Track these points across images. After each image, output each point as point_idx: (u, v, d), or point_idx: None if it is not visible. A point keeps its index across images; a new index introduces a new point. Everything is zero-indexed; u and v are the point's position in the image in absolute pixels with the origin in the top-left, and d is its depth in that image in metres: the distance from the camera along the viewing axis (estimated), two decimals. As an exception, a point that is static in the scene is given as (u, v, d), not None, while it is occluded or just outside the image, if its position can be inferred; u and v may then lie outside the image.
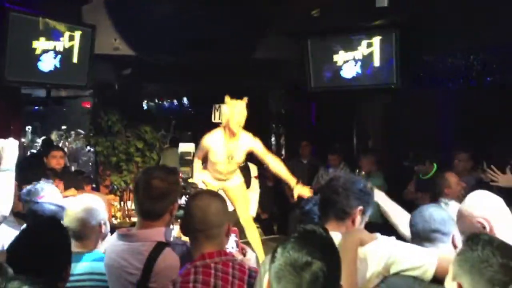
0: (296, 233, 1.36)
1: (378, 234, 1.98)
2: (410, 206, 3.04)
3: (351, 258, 1.79)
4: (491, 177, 3.98)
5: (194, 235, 1.99)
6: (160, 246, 2.07)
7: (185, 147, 4.90)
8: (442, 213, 2.26)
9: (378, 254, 1.86)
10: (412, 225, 2.26)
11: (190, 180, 4.36)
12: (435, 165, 5.35)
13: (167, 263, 2.03)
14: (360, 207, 2.01)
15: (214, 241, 1.97)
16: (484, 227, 2.16)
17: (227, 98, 4.57)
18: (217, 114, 5.47)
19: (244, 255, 2.25)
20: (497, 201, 2.24)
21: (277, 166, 4.68)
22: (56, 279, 1.81)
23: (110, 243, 2.25)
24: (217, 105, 5.42)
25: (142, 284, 2.02)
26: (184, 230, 2.06)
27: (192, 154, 4.75)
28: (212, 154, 4.62)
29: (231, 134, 4.56)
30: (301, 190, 4.40)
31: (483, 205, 2.18)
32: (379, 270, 1.84)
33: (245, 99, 4.56)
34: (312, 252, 1.28)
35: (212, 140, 4.62)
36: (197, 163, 4.72)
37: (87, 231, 2.37)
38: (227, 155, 4.60)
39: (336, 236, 1.90)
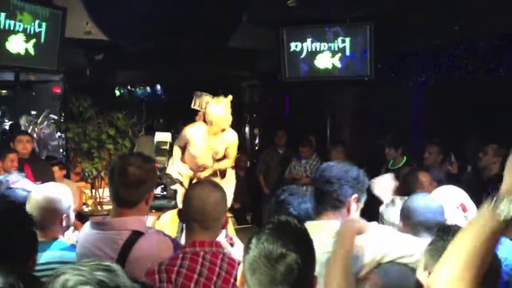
0: (270, 224, 1.35)
1: (374, 223, 2.01)
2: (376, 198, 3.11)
3: (348, 246, 1.81)
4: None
5: (190, 224, 1.98)
6: (135, 235, 2.03)
7: (161, 136, 4.80)
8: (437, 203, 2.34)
9: (374, 242, 1.88)
10: (414, 215, 2.27)
11: (167, 171, 4.31)
12: (404, 157, 5.43)
13: (142, 252, 1.99)
14: (355, 195, 2.01)
15: (209, 232, 1.96)
16: None
17: (213, 98, 4.49)
18: (197, 101, 5.39)
19: (232, 245, 2.24)
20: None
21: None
22: (22, 267, 1.76)
23: (83, 232, 2.19)
24: (198, 92, 5.35)
25: None
26: (181, 217, 2.05)
27: (168, 144, 4.69)
28: (192, 146, 4.55)
29: (215, 129, 4.48)
30: None
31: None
32: (374, 258, 1.86)
33: (230, 97, 4.48)
34: (286, 244, 1.28)
35: (193, 133, 4.54)
36: (177, 152, 4.63)
37: (49, 221, 2.30)
38: (208, 150, 4.55)
39: (335, 224, 1.92)
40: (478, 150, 4.61)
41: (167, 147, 4.67)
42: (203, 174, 4.64)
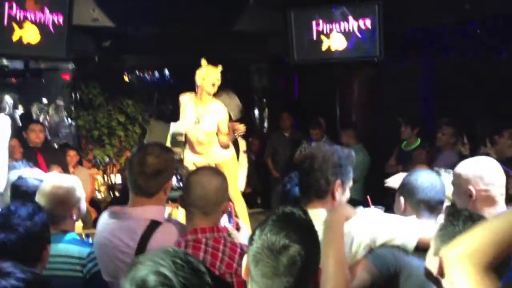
0: (274, 216, 1.34)
1: (360, 207, 2.00)
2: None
3: (338, 234, 1.81)
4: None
5: (191, 209, 1.99)
6: (153, 225, 2.05)
7: (177, 127, 4.81)
8: (442, 182, 2.25)
9: (363, 227, 1.88)
10: (418, 192, 2.17)
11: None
12: (419, 139, 5.35)
13: (161, 241, 1.99)
14: (338, 181, 2.01)
15: (210, 218, 1.97)
16: (470, 196, 2.21)
17: (203, 61, 4.64)
18: (223, 96, 5.40)
19: (238, 230, 2.24)
20: (488, 167, 2.25)
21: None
22: (35, 260, 1.79)
23: (101, 222, 2.21)
24: (229, 91, 5.39)
25: None
26: (182, 203, 2.06)
27: (183, 135, 4.71)
28: (185, 118, 4.63)
29: (203, 97, 4.60)
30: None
31: (472, 173, 2.22)
32: (366, 242, 1.86)
33: (220, 67, 4.65)
34: (289, 236, 1.27)
35: (184, 99, 4.71)
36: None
37: (59, 213, 2.30)
38: (195, 119, 4.60)
39: (321, 213, 1.92)
40: (491, 132, 4.56)
41: (183, 138, 4.69)
42: (214, 162, 4.67)
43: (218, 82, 4.62)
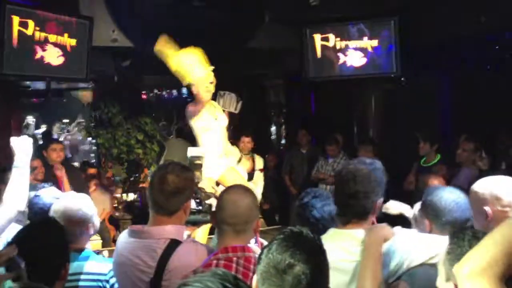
0: (282, 235, 1.35)
1: (398, 227, 1.98)
2: (409, 196, 3.06)
3: (376, 255, 1.80)
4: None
5: (223, 228, 2.00)
6: (173, 244, 2.05)
7: (195, 151, 4.81)
8: (465, 198, 2.21)
9: (401, 248, 1.86)
10: (444, 214, 2.13)
11: (200, 185, 4.33)
12: (438, 155, 5.25)
13: (181, 261, 2.00)
14: (380, 200, 1.99)
15: (241, 236, 1.98)
16: (487, 216, 2.14)
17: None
18: (221, 101, 5.44)
19: None
20: (507, 188, 2.17)
21: None
22: (54, 277, 1.82)
23: (120, 241, 2.22)
24: (221, 92, 5.39)
25: (155, 281, 1.99)
26: (214, 220, 2.07)
27: (202, 159, 4.70)
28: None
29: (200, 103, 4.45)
30: None
31: (489, 193, 2.15)
32: (403, 264, 1.84)
33: (211, 67, 4.53)
34: (295, 255, 1.27)
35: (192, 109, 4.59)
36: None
37: (72, 233, 2.29)
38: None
39: (359, 233, 1.90)
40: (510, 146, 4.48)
41: (201, 161, 4.67)
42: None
43: (210, 81, 4.51)
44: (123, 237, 2.21)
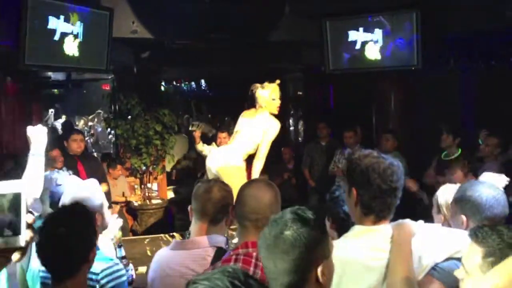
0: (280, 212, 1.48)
1: (421, 222, 1.92)
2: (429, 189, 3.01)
3: (406, 250, 1.76)
4: None
5: (244, 223, 1.98)
6: (221, 252, 2.11)
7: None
8: (504, 194, 2.14)
9: (429, 243, 1.82)
10: (484, 211, 2.07)
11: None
12: (459, 149, 5.17)
13: None
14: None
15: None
16: None
17: (266, 84, 4.54)
18: (194, 127, 5.45)
19: None
20: None
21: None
22: (83, 260, 1.87)
23: (161, 255, 2.27)
24: (195, 123, 5.42)
25: None
26: (235, 216, 2.07)
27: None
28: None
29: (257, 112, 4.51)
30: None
31: None
32: (431, 259, 1.80)
33: (278, 81, 4.55)
34: (288, 223, 1.40)
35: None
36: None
37: None
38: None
39: (388, 228, 1.85)
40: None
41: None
42: None
43: (278, 100, 4.56)
44: (164, 251, 2.29)
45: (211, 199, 2.18)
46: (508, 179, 2.64)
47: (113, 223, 2.76)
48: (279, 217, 1.44)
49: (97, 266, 2.17)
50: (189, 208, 2.29)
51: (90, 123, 13.15)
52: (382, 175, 1.80)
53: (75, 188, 2.52)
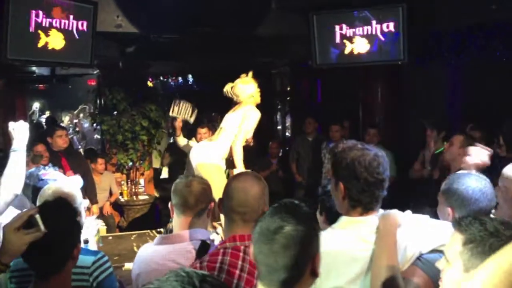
0: (275, 204, 1.47)
1: (408, 212, 1.93)
2: (415, 183, 3.02)
3: (391, 241, 1.77)
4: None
5: (231, 216, 1.96)
6: (205, 244, 2.15)
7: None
8: (490, 185, 2.16)
9: (414, 233, 1.83)
10: (470, 204, 2.08)
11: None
12: (445, 143, 5.20)
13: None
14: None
15: (249, 224, 1.91)
16: None
17: (246, 76, 4.60)
18: (176, 109, 5.42)
19: None
20: None
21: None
22: (67, 257, 1.85)
23: (145, 251, 2.26)
24: (177, 101, 5.42)
25: None
26: (222, 209, 2.05)
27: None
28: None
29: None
30: None
31: None
32: (417, 249, 1.81)
33: (250, 73, 4.62)
34: (285, 219, 1.40)
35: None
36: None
37: None
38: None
39: (374, 219, 1.85)
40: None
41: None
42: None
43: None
44: (149, 246, 2.28)
45: (192, 192, 2.20)
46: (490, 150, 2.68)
47: (92, 224, 2.74)
48: (274, 212, 1.44)
49: (88, 259, 2.21)
50: (169, 204, 2.29)
51: (75, 120, 13.02)
52: (368, 168, 1.81)
53: (59, 185, 2.48)
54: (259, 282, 1.44)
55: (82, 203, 2.47)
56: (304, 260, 1.40)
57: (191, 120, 5.41)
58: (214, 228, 3.67)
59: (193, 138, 5.72)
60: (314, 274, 1.43)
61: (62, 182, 2.53)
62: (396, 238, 1.78)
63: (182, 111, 5.23)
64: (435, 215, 2.18)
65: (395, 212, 1.89)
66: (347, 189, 1.84)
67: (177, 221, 2.23)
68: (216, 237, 2.49)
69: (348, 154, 1.84)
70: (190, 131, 6.43)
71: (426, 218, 1.93)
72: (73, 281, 2.03)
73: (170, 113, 5.43)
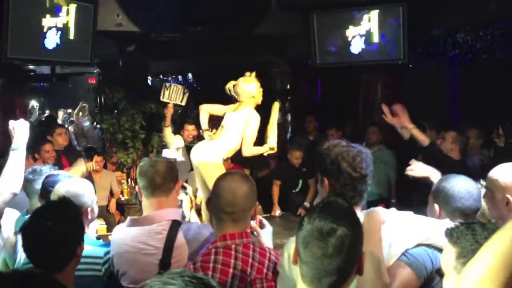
0: (320, 204, 1.46)
1: (393, 210, 1.96)
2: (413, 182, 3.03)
3: (376, 238, 1.80)
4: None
5: (220, 216, 1.96)
6: (176, 224, 2.17)
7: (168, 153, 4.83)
8: (478, 188, 2.22)
9: (399, 230, 1.85)
10: (455, 201, 2.14)
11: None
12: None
13: (186, 237, 2.14)
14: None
15: (239, 224, 1.95)
16: (507, 204, 2.17)
17: (250, 75, 4.57)
18: (166, 93, 5.41)
19: (262, 227, 2.21)
20: None
21: None
22: (71, 255, 1.86)
23: (118, 232, 2.28)
24: (167, 84, 5.40)
25: (165, 261, 2.10)
26: (210, 209, 2.05)
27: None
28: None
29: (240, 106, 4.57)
30: None
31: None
32: (402, 244, 1.84)
33: (253, 73, 4.60)
34: (336, 220, 1.38)
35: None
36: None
37: None
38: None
39: (358, 214, 1.86)
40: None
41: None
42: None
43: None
44: (121, 228, 2.30)
45: (158, 172, 2.21)
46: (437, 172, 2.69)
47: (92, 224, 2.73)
48: (324, 212, 1.41)
49: (100, 250, 2.30)
50: (136, 188, 2.34)
51: (72, 118, 12.97)
52: (352, 163, 1.86)
53: (71, 183, 2.48)
54: (302, 284, 1.42)
55: (94, 199, 2.48)
56: (354, 261, 1.41)
57: (183, 103, 5.39)
58: (184, 188, 3.68)
59: (178, 135, 5.72)
60: (359, 272, 1.44)
61: (75, 181, 2.53)
62: (381, 235, 1.81)
63: (173, 95, 5.22)
64: None
65: (379, 210, 1.93)
66: (331, 184, 1.89)
67: (146, 203, 2.25)
68: (185, 197, 2.51)
69: (332, 150, 1.91)
70: (178, 126, 6.40)
71: (410, 214, 1.96)
72: (87, 271, 2.12)
73: (161, 98, 5.43)
